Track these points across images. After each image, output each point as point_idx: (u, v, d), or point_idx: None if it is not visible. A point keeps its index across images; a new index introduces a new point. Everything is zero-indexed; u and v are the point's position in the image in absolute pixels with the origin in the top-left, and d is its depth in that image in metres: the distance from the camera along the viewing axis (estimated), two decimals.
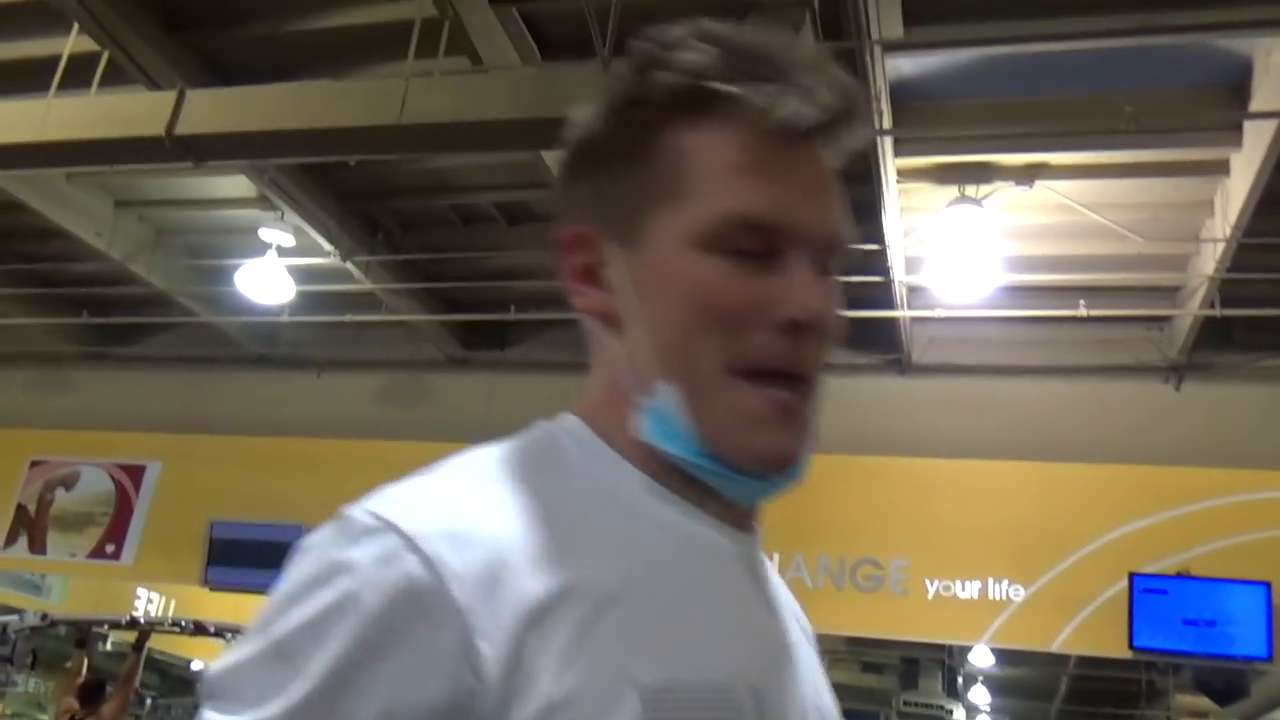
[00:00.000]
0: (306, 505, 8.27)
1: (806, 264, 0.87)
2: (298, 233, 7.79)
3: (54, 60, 5.73)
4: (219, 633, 8.46)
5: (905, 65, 5.68)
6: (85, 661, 8.28)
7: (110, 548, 8.85)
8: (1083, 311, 7.17)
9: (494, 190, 7.54)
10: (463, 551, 0.77)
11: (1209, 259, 6.63)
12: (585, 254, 0.92)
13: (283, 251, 7.99)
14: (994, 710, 15.78)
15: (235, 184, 7.65)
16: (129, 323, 9.48)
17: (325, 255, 7.74)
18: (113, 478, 9.08)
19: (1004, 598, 7.04)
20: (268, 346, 9.39)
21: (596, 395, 0.94)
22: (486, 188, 7.53)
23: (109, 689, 7.84)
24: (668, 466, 0.88)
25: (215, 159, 5.73)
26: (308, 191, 7.31)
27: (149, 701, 14.94)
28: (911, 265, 7.12)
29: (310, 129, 5.25)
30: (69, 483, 9.16)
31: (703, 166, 0.88)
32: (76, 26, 5.71)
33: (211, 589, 8.63)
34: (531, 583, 0.77)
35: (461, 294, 8.58)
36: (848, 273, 0.93)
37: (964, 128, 5.94)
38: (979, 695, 14.87)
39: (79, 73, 5.73)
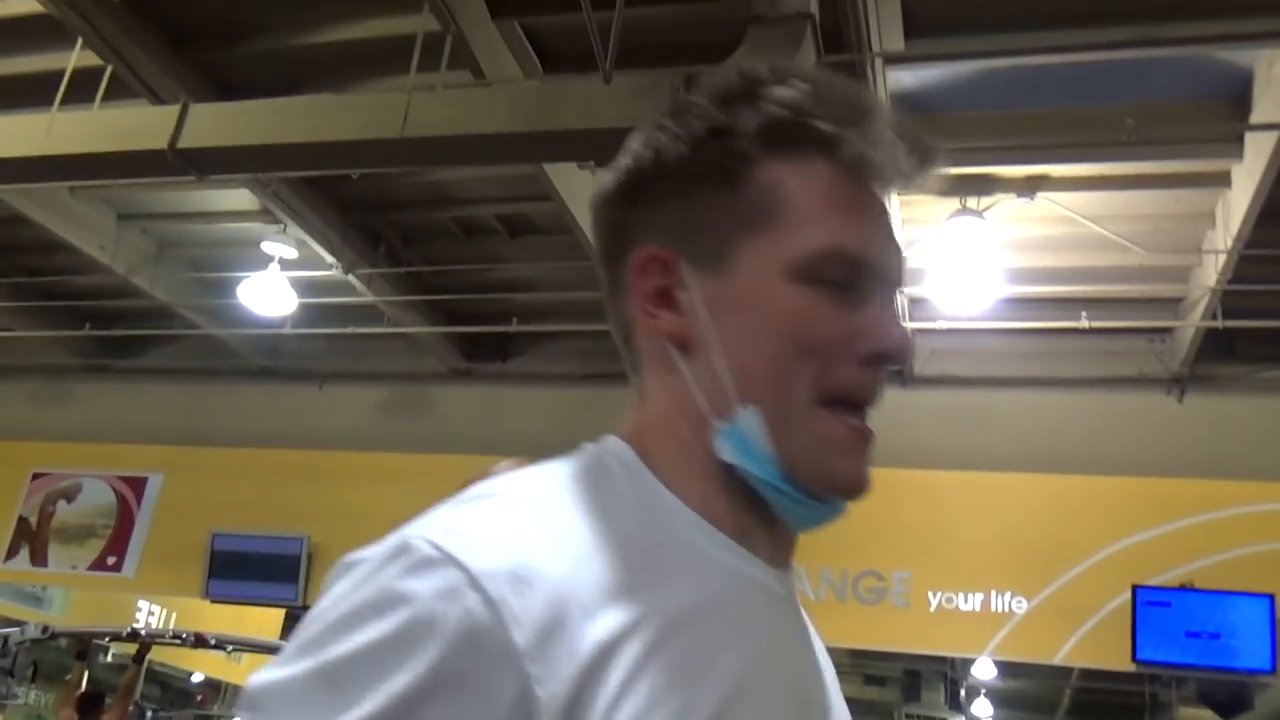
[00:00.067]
0: (309, 518, 8.29)
1: (880, 298, 0.92)
2: (300, 246, 7.80)
3: (58, 75, 5.74)
4: (219, 645, 8.47)
5: (906, 78, 5.69)
6: (85, 673, 8.27)
7: (111, 560, 8.83)
8: (1084, 323, 7.17)
9: (496, 203, 7.55)
10: (524, 593, 0.76)
11: (1211, 270, 6.63)
12: (661, 277, 0.93)
13: (285, 264, 8.00)
14: None
15: (238, 197, 7.66)
16: (132, 335, 9.48)
17: (328, 268, 7.75)
18: (114, 490, 9.07)
19: (1006, 610, 7.01)
20: (270, 359, 9.39)
21: (651, 419, 0.94)
22: (488, 200, 7.53)
23: (108, 701, 7.83)
24: (714, 501, 0.90)
25: (218, 172, 5.72)
26: (310, 205, 7.33)
27: (149, 714, 14.92)
28: (913, 277, 7.11)
29: (313, 142, 5.25)
30: (70, 495, 9.14)
31: (797, 200, 0.91)
32: (80, 41, 5.72)
33: (212, 601, 8.62)
34: (589, 628, 0.77)
35: (463, 306, 8.58)
36: None
37: (965, 140, 5.88)
38: (982, 708, 14.84)
39: (83, 87, 5.73)
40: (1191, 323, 7.07)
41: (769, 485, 0.88)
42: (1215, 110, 5.67)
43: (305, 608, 9.26)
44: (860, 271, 0.91)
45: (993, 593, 7.05)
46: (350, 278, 7.81)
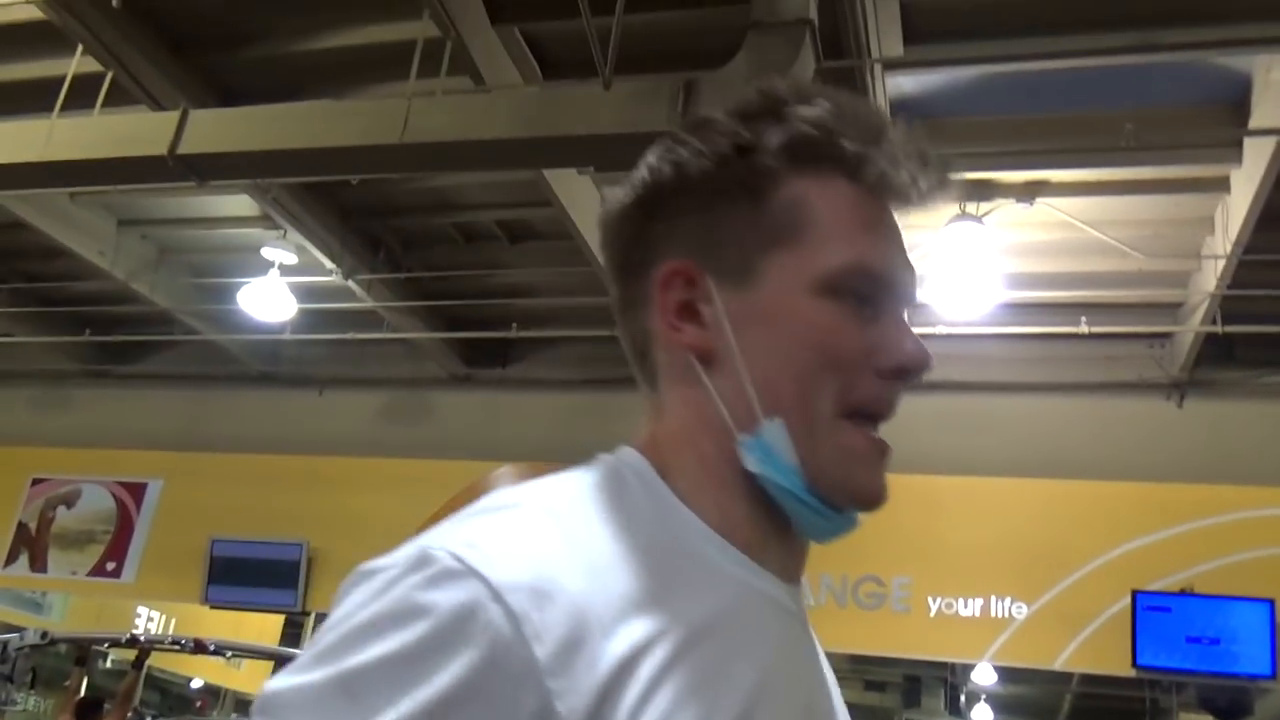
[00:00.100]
0: (308, 523, 8.30)
1: (898, 314, 0.95)
2: (300, 251, 7.82)
3: (58, 81, 5.75)
4: (219, 651, 8.46)
5: (906, 83, 5.70)
6: (84, 679, 8.27)
7: (111, 565, 8.85)
8: (1084, 328, 7.19)
9: (496, 209, 7.57)
10: (545, 608, 0.76)
11: (1210, 276, 6.64)
12: (685, 290, 0.94)
13: (285, 270, 8.02)
14: None
15: (238, 203, 7.68)
16: (132, 341, 9.50)
17: (328, 274, 7.76)
18: (114, 495, 9.08)
19: (1006, 615, 7.02)
20: (270, 364, 9.39)
21: (669, 432, 0.95)
22: (488, 206, 7.55)
23: (107, 706, 7.84)
24: (730, 514, 0.91)
25: (218, 178, 5.73)
26: (310, 210, 7.35)
27: (148, 719, 14.93)
28: None
29: (313, 148, 5.26)
30: (70, 500, 9.16)
31: (821, 216, 0.92)
32: (81, 48, 5.75)
33: (212, 607, 8.63)
34: (609, 643, 0.77)
35: (463, 312, 8.59)
36: None
37: (965, 145, 5.90)
38: (982, 713, 14.83)
39: (83, 93, 5.75)
40: (1191, 328, 7.08)
41: (792, 496, 0.89)
42: (1214, 115, 5.69)
43: (304, 613, 9.26)
44: (881, 288, 0.93)
45: (993, 598, 7.06)
46: (350, 283, 7.82)
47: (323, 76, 6.09)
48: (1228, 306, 6.80)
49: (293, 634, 11.33)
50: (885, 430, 0.93)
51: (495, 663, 0.73)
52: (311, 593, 8.23)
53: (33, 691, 10.77)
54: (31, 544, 9.12)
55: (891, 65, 5.38)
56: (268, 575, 8.19)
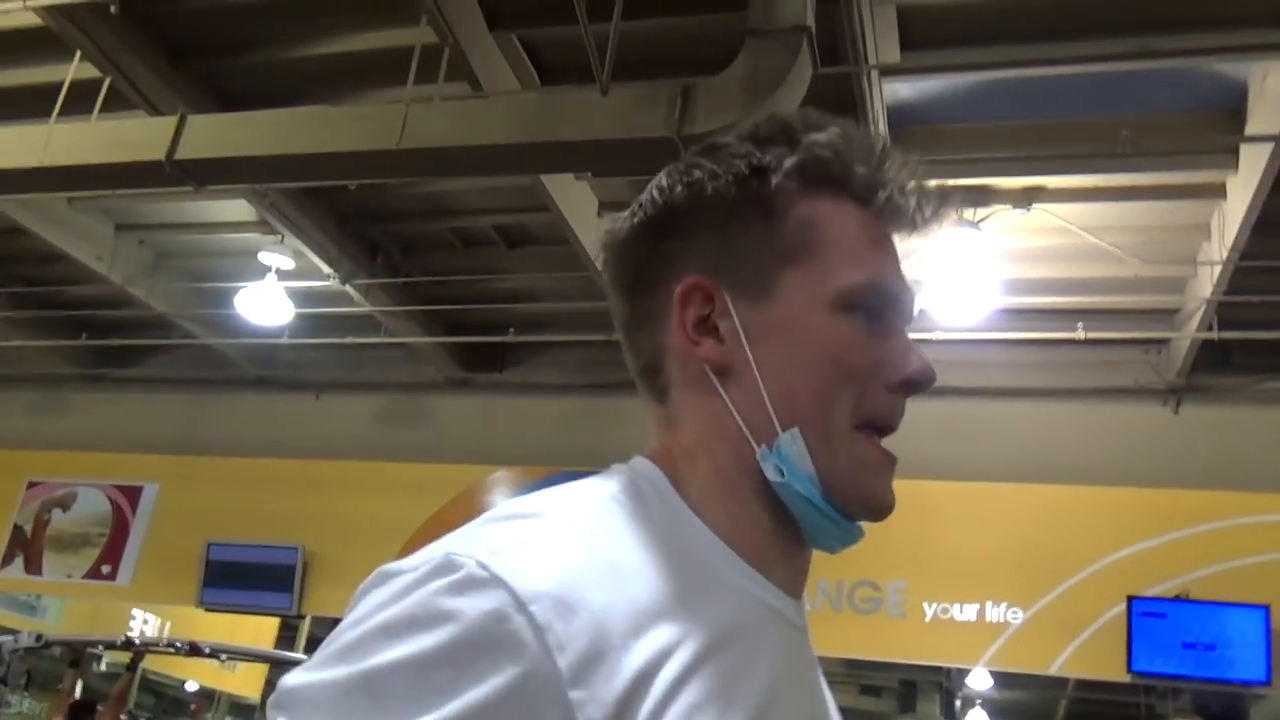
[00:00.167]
0: (304, 527, 8.31)
1: (903, 330, 0.98)
2: (297, 256, 7.84)
3: (56, 86, 5.76)
4: (214, 654, 8.45)
5: (904, 90, 5.73)
6: (79, 681, 8.26)
7: (106, 569, 8.86)
8: (1081, 334, 7.21)
9: (493, 214, 7.58)
10: (568, 618, 0.76)
11: (1206, 282, 6.65)
12: (703, 305, 0.96)
13: (282, 274, 8.04)
14: None
15: (235, 208, 7.68)
16: (128, 345, 9.51)
17: (325, 278, 7.77)
18: (110, 499, 9.09)
19: (1002, 620, 7.03)
20: (267, 369, 9.40)
21: (684, 443, 0.97)
22: (486, 211, 7.57)
23: (100, 709, 7.82)
24: (742, 525, 0.93)
25: (215, 183, 5.75)
26: (308, 215, 7.37)
27: None
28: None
29: (310, 153, 5.28)
30: (66, 504, 9.16)
31: (834, 235, 0.96)
32: (79, 53, 5.76)
33: (207, 610, 8.64)
34: (629, 654, 0.78)
35: (461, 316, 8.60)
36: None
37: (962, 151, 5.95)
38: (977, 718, 14.85)
39: (81, 99, 5.76)
40: (1187, 334, 7.10)
41: (809, 504, 0.92)
42: (1210, 122, 5.70)
43: (300, 617, 9.25)
44: (891, 305, 0.96)
45: (988, 603, 7.07)
46: (347, 288, 7.84)
47: (320, 82, 6.10)
48: (1224, 312, 6.82)
49: (288, 638, 11.32)
50: (888, 439, 0.96)
51: (520, 674, 0.74)
52: (307, 596, 8.23)
53: (27, 694, 10.78)
54: (27, 547, 9.12)
55: (888, 72, 5.40)
56: (263, 579, 8.20)
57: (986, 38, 5.32)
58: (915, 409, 0.99)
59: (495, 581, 0.76)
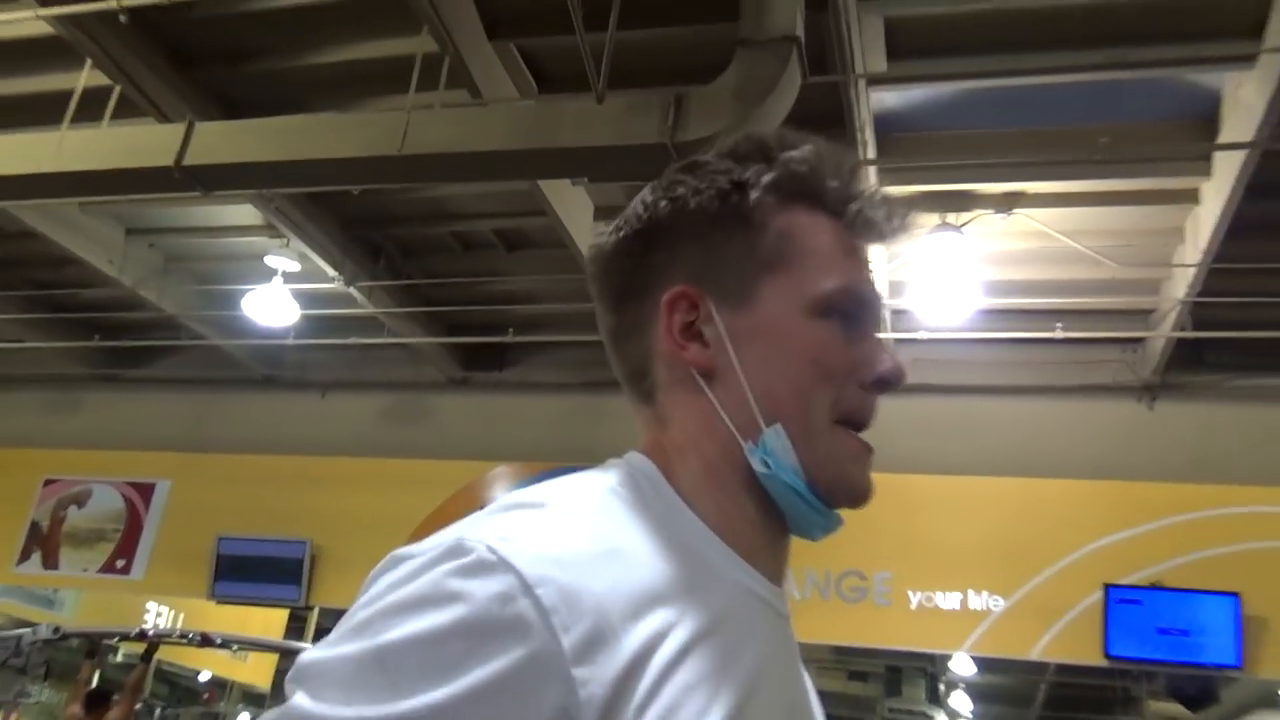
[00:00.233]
0: (311, 521, 8.33)
1: (875, 333, 1.04)
2: (303, 259, 7.84)
3: (68, 94, 5.78)
4: (225, 644, 8.49)
5: (889, 98, 5.76)
6: (96, 672, 8.24)
7: (121, 563, 8.87)
8: (1059, 334, 7.25)
9: (492, 218, 7.60)
10: (572, 602, 0.80)
11: (1181, 284, 6.70)
12: (688, 312, 1.01)
13: (288, 277, 8.04)
14: (975, 716, 15.84)
15: (242, 212, 7.69)
16: (139, 346, 9.49)
17: (329, 281, 7.77)
18: (123, 495, 9.11)
19: (984, 608, 7.06)
20: (273, 369, 9.42)
21: (674, 440, 1.01)
22: (485, 215, 7.58)
23: (116, 698, 7.84)
24: (730, 516, 0.98)
25: (223, 188, 5.75)
26: (313, 219, 7.37)
27: (157, 712, 14.93)
28: (895, 289, 7.19)
29: (315, 160, 5.28)
30: (81, 500, 9.18)
31: (810, 245, 1.01)
32: (90, 62, 5.78)
33: (219, 602, 8.66)
34: (628, 636, 0.81)
35: (461, 317, 8.61)
36: None
37: (946, 158, 6.01)
38: (960, 702, 14.95)
39: (92, 106, 5.78)
40: (1162, 333, 7.14)
41: (795, 494, 0.97)
42: (1185, 130, 5.74)
43: (308, 608, 9.27)
44: (863, 309, 1.02)
45: (971, 592, 7.11)
46: (351, 290, 7.85)
47: (324, 90, 6.13)
48: (1197, 313, 6.87)
49: (297, 628, 11.33)
50: (868, 432, 1.06)
51: (526, 654, 0.77)
52: (315, 588, 8.26)
53: (46, 684, 10.83)
54: (44, 543, 9.13)
55: (875, 81, 5.44)
56: (273, 571, 8.21)
57: (971, 48, 5.37)
58: (900, 406, 1.13)
59: (504, 565, 0.79)
